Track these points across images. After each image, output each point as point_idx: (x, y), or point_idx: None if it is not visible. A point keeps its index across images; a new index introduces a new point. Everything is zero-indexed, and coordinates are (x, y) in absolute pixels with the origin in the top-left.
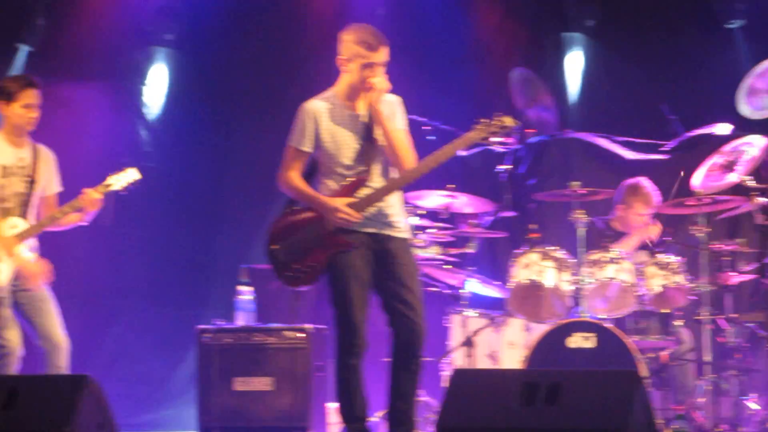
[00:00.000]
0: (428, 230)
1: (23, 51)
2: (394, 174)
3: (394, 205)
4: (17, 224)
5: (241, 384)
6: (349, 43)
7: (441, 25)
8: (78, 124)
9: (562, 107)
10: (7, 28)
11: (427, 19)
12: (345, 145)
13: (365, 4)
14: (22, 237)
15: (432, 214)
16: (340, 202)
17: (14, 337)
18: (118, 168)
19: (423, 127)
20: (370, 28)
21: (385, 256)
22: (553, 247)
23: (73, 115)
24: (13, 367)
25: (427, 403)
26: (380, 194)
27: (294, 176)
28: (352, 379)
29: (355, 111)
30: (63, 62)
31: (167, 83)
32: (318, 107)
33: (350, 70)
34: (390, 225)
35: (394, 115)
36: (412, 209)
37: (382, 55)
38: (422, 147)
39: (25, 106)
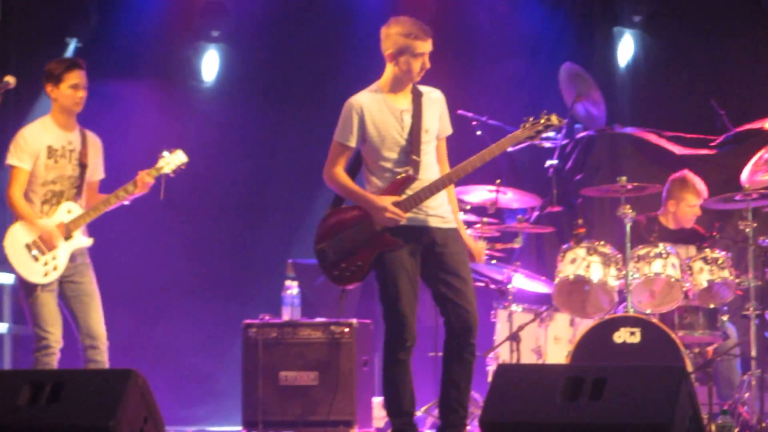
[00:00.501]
0: (474, 225)
1: (72, 45)
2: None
3: (439, 195)
4: (72, 209)
5: (286, 378)
6: (395, 35)
7: (488, 20)
8: (126, 121)
9: (610, 102)
10: (58, 23)
11: (475, 14)
12: (390, 139)
13: None
14: (78, 222)
15: (478, 209)
16: (388, 201)
17: (57, 331)
18: (168, 149)
19: (472, 123)
20: (412, 19)
21: (433, 247)
22: (599, 242)
23: (121, 112)
24: (55, 361)
25: (472, 397)
26: (426, 193)
27: (340, 172)
28: (401, 373)
29: (401, 105)
30: (112, 58)
31: (215, 79)
32: (363, 101)
33: (398, 62)
34: (436, 216)
35: (443, 115)
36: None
37: (429, 44)
38: (471, 142)
39: (73, 87)
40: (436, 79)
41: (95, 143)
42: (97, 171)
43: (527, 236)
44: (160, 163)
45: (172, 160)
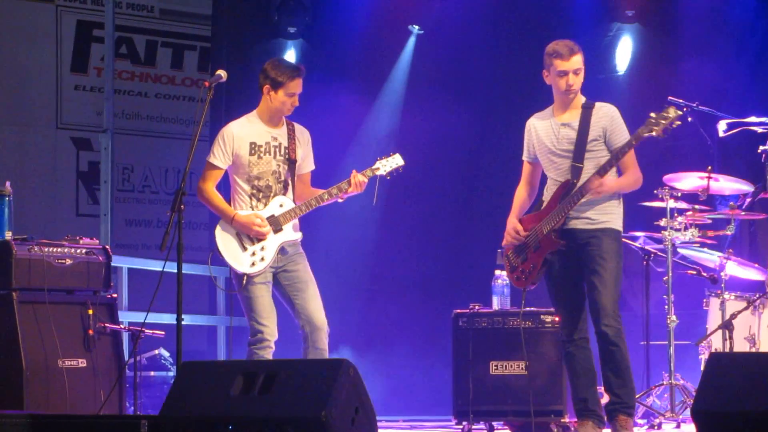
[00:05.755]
0: (686, 213)
1: (292, 45)
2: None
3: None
4: (284, 203)
5: (496, 368)
6: (545, 56)
7: (695, 5)
8: (335, 116)
9: None
10: (269, 17)
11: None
12: (549, 152)
13: None
14: (288, 216)
15: (690, 197)
16: (512, 225)
17: (272, 324)
18: (386, 153)
19: (683, 109)
20: (565, 40)
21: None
22: None
23: (333, 107)
24: (269, 354)
25: (685, 386)
26: (566, 206)
27: (519, 187)
28: (570, 364)
29: (564, 119)
30: (324, 52)
31: (408, 72)
32: (532, 122)
33: (550, 81)
34: (582, 218)
35: (611, 127)
36: (668, 191)
37: (574, 62)
38: (682, 127)
39: (290, 95)
40: (650, 66)
41: (303, 136)
42: (306, 163)
43: (739, 223)
44: (377, 164)
45: (389, 163)
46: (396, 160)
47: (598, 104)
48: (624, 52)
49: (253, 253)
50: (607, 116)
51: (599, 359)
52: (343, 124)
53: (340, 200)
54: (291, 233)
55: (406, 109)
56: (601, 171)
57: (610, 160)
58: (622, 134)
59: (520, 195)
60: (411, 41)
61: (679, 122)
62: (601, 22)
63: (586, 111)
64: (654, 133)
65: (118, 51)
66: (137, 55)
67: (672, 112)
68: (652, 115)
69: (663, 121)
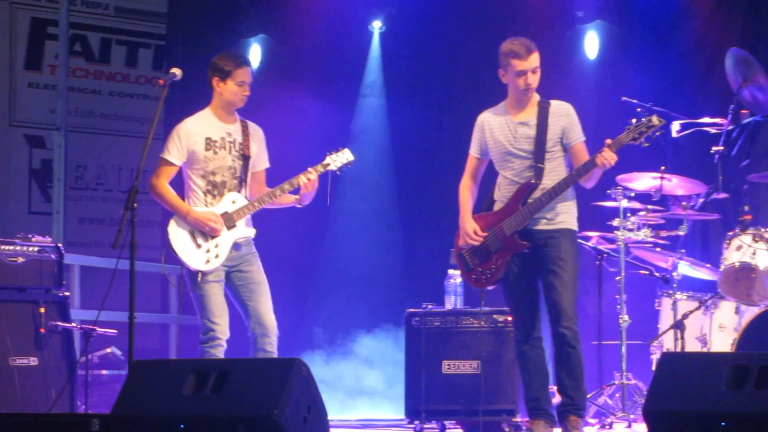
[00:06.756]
0: (639, 213)
1: (247, 40)
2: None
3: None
4: (237, 199)
5: (448, 367)
6: (500, 55)
7: (651, 5)
8: (293, 117)
9: None
10: (226, 15)
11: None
12: (506, 152)
13: None
14: (242, 212)
15: (643, 197)
16: (471, 227)
17: (224, 322)
18: (335, 148)
19: (637, 110)
20: (521, 39)
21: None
22: (765, 229)
23: (290, 108)
24: (221, 353)
25: (636, 386)
26: (533, 209)
27: (462, 183)
28: (523, 363)
29: (521, 118)
30: (281, 50)
31: (376, 71)
32: (485, 118)
33: (507, 80)
34: (540, 219)
35: (570, 125)
36: (622, 191)
37: (531, 61)
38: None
39: (239, 84)
40: (603, 66)
41: (257, 133)
42: (259, 161)
43: (692, 223)
44: (327, 160)
45: (339, 158)
46: (346, 155)
47: (554, 102)
48: (580, 51)
49: (207, 250)
50: (565, 115)
51: (553, 359)
52: (298, 123)
53: (298, 206)
54: (244, 229)
55: (361, 107)
56: (615, 145)
57: (573, 175)
58: (577, 132)
59: (468, 192)
60: (375, 39)
61: (661, 131)
62: (556, 21)
63: (543, 109)
64: (636, 142)
65: (73, 48)
66: (92, 53)
67: (656, 120)
68: (634, 122)
69: (645, 130)
